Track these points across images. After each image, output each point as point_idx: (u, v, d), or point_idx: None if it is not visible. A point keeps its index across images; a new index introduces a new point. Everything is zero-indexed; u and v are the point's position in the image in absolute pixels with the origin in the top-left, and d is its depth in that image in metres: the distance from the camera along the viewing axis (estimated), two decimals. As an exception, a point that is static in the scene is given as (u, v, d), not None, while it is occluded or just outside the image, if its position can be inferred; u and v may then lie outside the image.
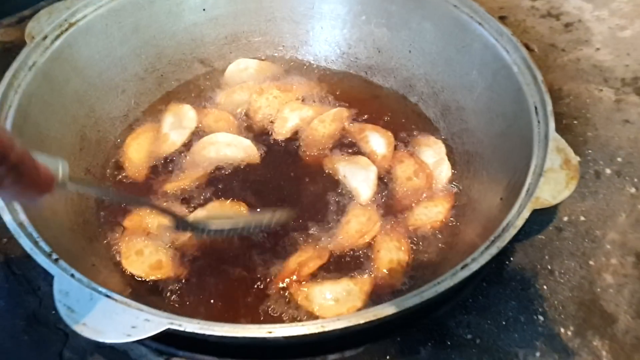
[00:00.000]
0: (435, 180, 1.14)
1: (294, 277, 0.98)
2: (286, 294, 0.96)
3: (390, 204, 1.10)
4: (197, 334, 0.71)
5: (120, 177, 1.15)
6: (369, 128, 1.21)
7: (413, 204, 1.10)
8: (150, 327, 0.71)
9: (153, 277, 0.99)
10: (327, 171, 1.16)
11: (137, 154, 1.18)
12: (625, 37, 1.32)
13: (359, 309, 0.92)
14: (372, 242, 1.04)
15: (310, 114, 1.24)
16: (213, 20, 1.33)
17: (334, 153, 1.19)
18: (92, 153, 1.16)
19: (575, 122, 1.16)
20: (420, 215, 1.08)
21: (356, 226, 1.05)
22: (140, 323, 0.71)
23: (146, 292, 0.98)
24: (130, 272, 1.00)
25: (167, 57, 1.31)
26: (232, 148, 1.18)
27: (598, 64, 1.28)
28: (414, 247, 1.03)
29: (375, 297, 0.95)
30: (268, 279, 0.99)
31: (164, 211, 0.99)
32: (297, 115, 1.23)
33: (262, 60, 1.36)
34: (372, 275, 0.99)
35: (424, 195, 1.11)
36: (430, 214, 1.08)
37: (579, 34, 1.34)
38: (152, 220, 1.06)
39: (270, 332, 0.72)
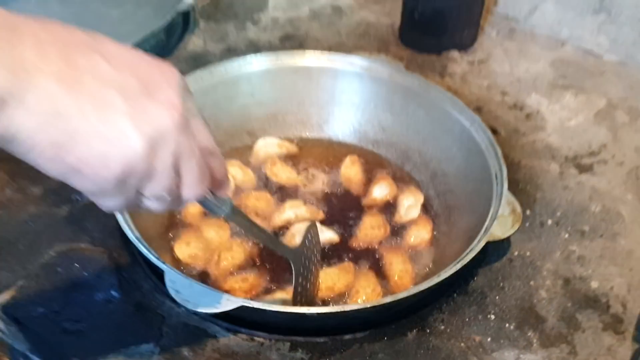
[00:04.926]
0: (400, 218, 1.45)
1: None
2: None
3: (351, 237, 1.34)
4: (260, 310, 1.08)
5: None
6: (388, 181, 1.47)
7: (375, 245, 1.39)
8: (230, 304, 1.07)
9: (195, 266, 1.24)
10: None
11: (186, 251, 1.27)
12: (570, 126, 1.65)
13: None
14: (384, 255, 1.36)
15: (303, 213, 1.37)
16: (258, 103, 1.60)
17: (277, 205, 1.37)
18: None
19: (528, 186, 1.46)
20: (416, 237, 1.41)
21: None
22: (224, 301, 1.07)
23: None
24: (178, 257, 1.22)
25: (223, 128, 1.48)
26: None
27: (549, 145, 1.59)
28: (415, 261, 1.36)
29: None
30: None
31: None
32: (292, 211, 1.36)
33: (283, 139, 1.65)
34: None
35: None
36: (422, 235, 1.41)
37: (537, 122, 1.65)
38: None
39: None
